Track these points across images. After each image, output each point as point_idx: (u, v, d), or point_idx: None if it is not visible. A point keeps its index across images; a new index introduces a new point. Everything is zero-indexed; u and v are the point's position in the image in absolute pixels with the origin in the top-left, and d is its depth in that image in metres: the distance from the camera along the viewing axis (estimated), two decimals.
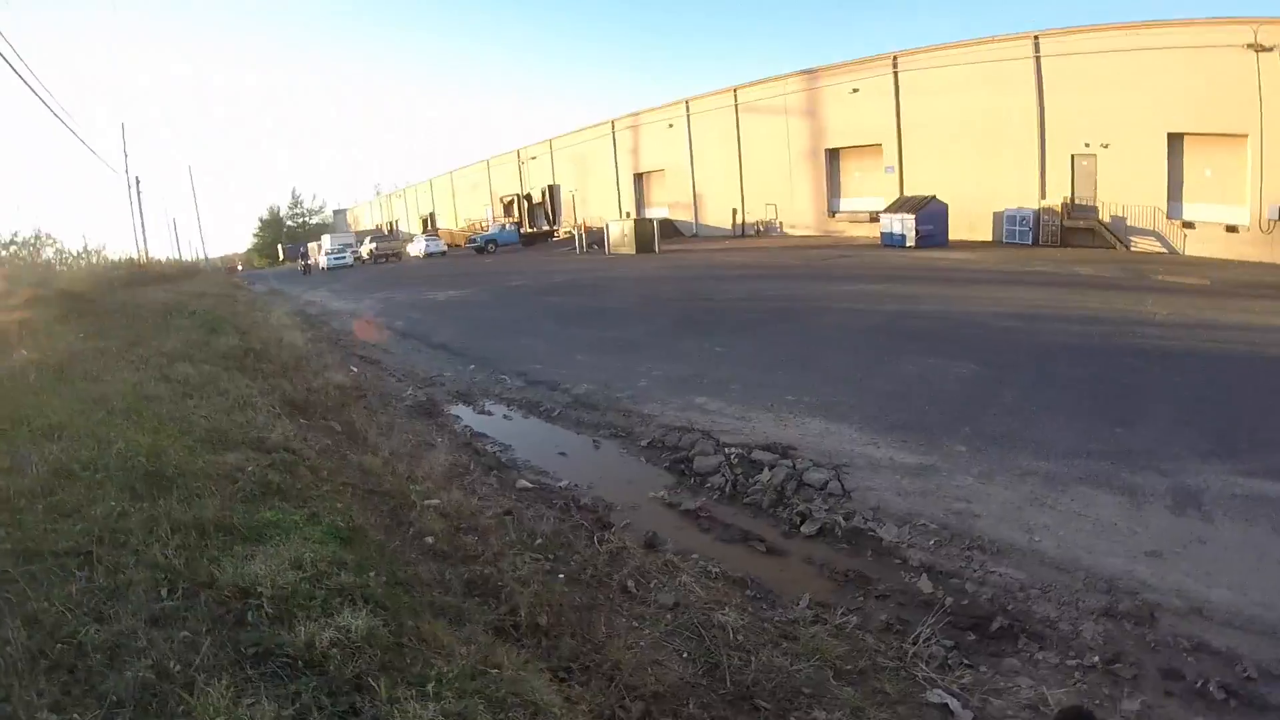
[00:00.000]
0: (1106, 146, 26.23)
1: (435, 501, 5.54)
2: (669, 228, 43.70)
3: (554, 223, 52.46)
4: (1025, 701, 3.51)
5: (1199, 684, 3.64)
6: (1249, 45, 21.91)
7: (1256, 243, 22.79)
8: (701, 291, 18.87)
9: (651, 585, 4.62)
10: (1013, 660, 3.91)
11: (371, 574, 3.57)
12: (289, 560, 3.43)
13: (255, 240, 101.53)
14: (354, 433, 7.70)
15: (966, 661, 3.89)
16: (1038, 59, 27.70)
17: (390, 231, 79.82)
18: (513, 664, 3.06)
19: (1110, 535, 5.09)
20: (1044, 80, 27.73)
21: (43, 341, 9.45)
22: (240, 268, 76.96)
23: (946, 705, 3.44)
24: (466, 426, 8.90)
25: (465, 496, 5.89)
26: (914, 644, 3.95)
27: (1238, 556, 4.71)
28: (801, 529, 5.67)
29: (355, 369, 12.14)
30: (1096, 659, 3.86)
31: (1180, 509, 5.38)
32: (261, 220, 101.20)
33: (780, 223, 40.30)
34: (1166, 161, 24.80)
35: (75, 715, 2.24)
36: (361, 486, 5.63)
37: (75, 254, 23.05)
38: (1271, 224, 22.42)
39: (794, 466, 6.58)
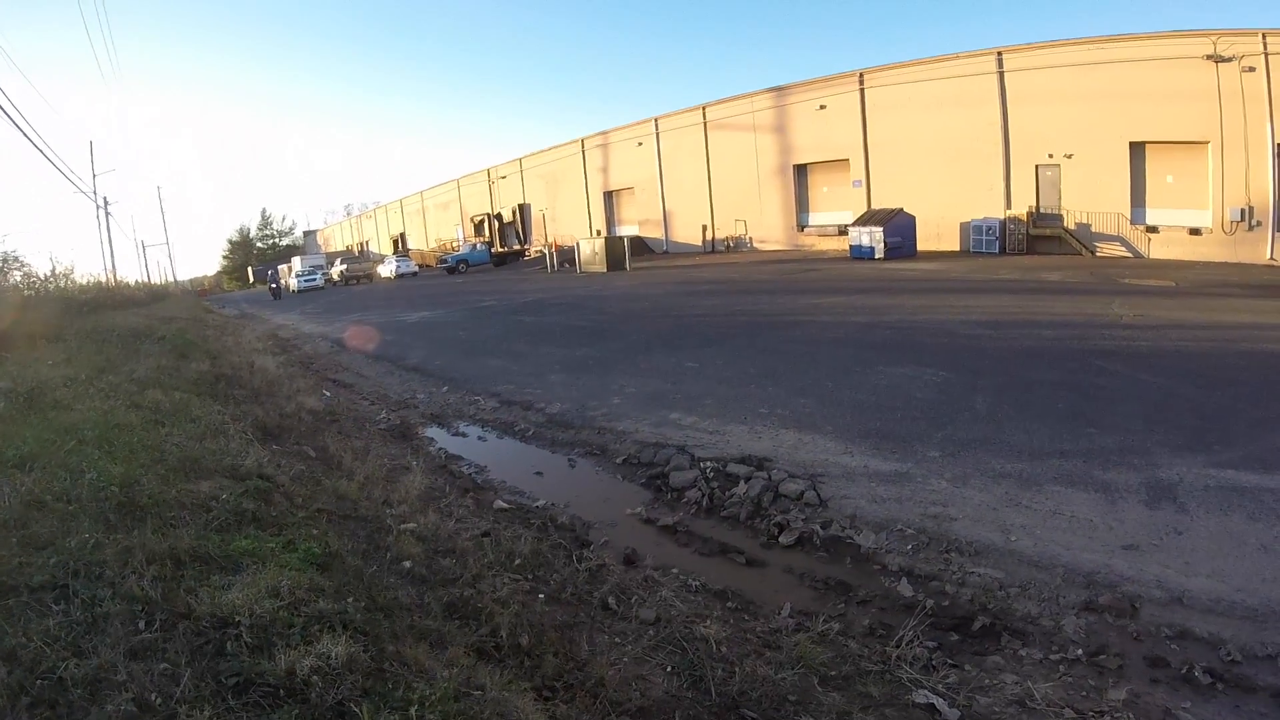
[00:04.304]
0: (1070, 156, 26.90)
1: (412, 525, 5.49)
2: (640, 245, 43.90)
3: (525, 242, 52.57)
4: (1011, 697, 3.54)
5: (1184, 670, 3.69)
6: (1208, 56, 22.68)
7: (1220, 244, 23.51)
8: (673, 308, 18.94)
9: (632, 601, 4.61)
10: (996, 658, 3.94)
11: (350, 600, 3.53)
12: (266, 588, 3.39)
13: (224, 262, 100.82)
14: (328, 457, 7.62)
15: (951, 661, 3.92)
16: (1001, 74, 28.40)
17: (361, 252, 79.48)
18: (496, 685, 3.04)
19: (1087, 531, 5.16)
20: (1007, 94, 28.44)
21: (11, 370, 9.28)
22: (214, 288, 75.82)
23: (933, 705, 3.46)
24: (441, 449, 8.83)
25: (442, 519, 5.84)
26: (897, 647, 3.97)
27: (1215, 545, 4.79)
28: (780, 539, 5.68)
29: (328, 393, 12.02)
30: (1080, 652, 3.90)
31: (1155, 503, 5.46)
32: (231, 242, 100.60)
33: (750, 238, 40.63)
34: (1129, 169, 25.59)
35: None
36: (337, 512, 5.56)
37: (43, 277, 22.65)
38: (1234, 225, 23.16)
39: (770, 478, 6.61)
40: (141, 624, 3.04)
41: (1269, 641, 3.80)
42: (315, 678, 2.73)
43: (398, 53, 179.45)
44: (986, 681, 3.71)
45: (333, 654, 2.87)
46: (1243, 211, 22.94)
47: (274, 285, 48.60)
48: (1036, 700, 3.49)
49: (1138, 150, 25.36)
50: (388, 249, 76.01)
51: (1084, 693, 3.58)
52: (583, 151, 51.36)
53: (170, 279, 72.50)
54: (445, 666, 3.14)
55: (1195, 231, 24.28)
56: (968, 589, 4.67)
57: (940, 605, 4.52)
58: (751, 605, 4.71)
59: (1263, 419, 7.04)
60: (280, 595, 3.35)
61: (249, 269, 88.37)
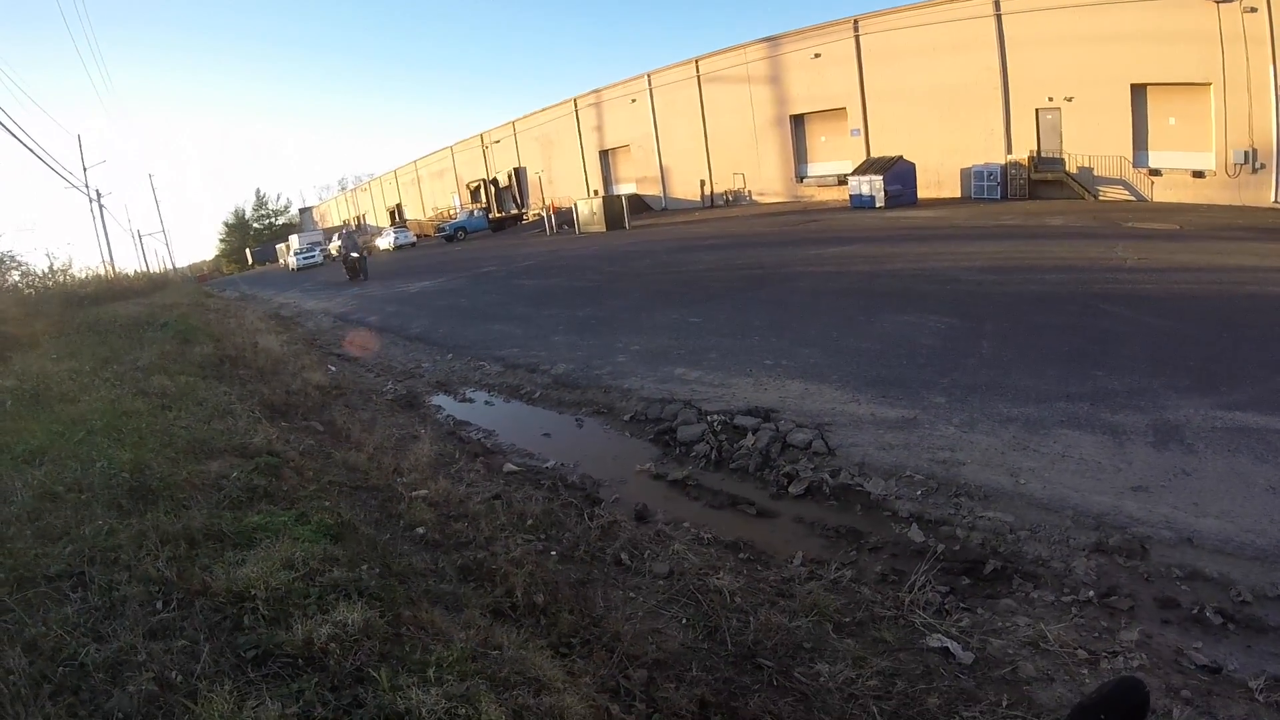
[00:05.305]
0: (1070, 100, 26.46)
1: (423, 492, 5.52)
2: (638, 203, 43.59)
3: (522, 206, 52.09)
4: (1024, 639, 3.56)
5: (1195, 610, 3.70)
6: None
7: (1224, 187, 23.18)
8: (673, 264, 18.83)
9: (645, 556, 4.64)
10: (1008, 601, 3.96)
11: (364, 568, 3.55)
12: (280, 561, 3.41)
13: (222, 246, 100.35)
14: (336, 431, 7.65)
15: (963, 605, 3.94)
16: (999, 16, 27.81)
17: (358, 226, 79.03)
18: (512, 644, 3.07)
19: (1095, 474, 5.16)
20: (1005, 37, 27.87)
21: (15, 368, 9.30)
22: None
23: (947, 648, 3.48)
24: (449, 416, 8.86)
25: (453, 485, 5.87)
26: (910, 592, 4.00)
27: (1223, 486, 4.78)
28: (789, 490, 5.70)
29: (333, 368, 12.03)
30: (1091, 593, 3.92)
31: (1163, 444, 5.45)
32: (227, 225, 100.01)
33: (749, 191, 40.27)
34: (1131, 112, 25.14)
35: None
36: (348, 483, 5.60)
37: (42, 275, 22.59)
38: (1238, 168, 22.78)
39: (777, 429, 6.61)
40: (159, 604, 3.08)
41: (1279, 581, 3.81)
42: (333, 645, 2.76)
43: (382, 20, 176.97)
44: (999, 624, 3.73)
45: (349, 621, 2.90)
46: (1246, 154, 22.57)
47: (356, 254, 30.27)
48: (1049, 642, 3.51)
49: (1139, 93, 24.91)
50: (384, 221, 75.56)
51: (1096, 634, 3.60)
52: (576, 111, 50.73)
53: (169, 267, 72.31)
54: (462, 628, 3.18)
55: (1198, 174, 23.94)
56: (978, 533, 4.68)
57: (951, 550, 4.55)
58: (763, 555, 4.74)
59: (1268, 361, 6.99)
60: (295, 567, 3.37)
61: (247, 250, 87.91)
